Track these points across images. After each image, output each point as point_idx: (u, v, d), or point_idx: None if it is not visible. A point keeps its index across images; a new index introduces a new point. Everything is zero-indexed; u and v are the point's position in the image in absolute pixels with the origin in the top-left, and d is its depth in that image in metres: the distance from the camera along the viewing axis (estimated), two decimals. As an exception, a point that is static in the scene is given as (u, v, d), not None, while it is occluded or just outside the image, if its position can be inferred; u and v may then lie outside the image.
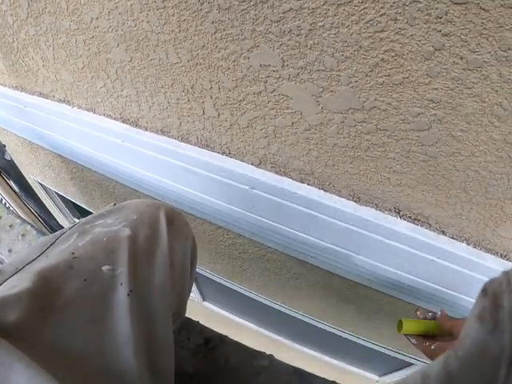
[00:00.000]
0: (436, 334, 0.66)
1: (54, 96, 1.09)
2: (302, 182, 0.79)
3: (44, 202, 1.80)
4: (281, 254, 1.08)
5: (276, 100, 0.67)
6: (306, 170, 0.77)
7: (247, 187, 0.83)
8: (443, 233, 0.74)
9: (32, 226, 0.96)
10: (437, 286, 0.83)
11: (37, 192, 1.76)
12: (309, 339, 1.87)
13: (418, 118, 0.57)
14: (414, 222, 0.75)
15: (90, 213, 1.72)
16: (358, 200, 0.77)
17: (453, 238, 0.73)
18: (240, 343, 0.74)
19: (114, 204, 0.65)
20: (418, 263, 0.79)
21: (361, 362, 1.87)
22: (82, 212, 1.92)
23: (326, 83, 0.59)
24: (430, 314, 0.69)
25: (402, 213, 0.74)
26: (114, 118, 0.98)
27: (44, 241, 0.56)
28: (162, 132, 0.90)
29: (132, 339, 0.47)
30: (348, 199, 0.77)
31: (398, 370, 1.72)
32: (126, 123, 0.96)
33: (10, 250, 0.88)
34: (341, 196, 0.78)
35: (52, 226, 1.64)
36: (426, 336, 0.66)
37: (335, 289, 1.12)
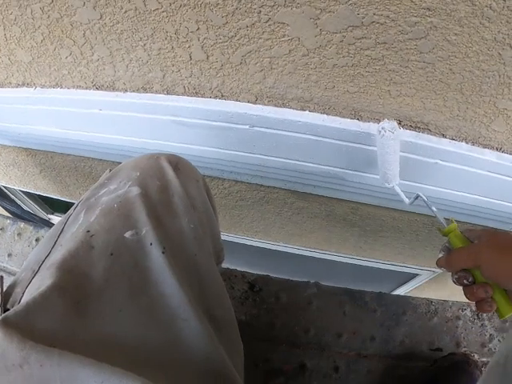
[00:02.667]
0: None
1: (10, 83, 1.00)
2: (303, 110, 0.79)
3: (19, 201, 1.70)
4: (281, 192, 1.09)
5: (271, 30, 0.65)
6: (305, 97, 0.76)
7: (247, 126, 0.81)
8: (443, 136, 0.77)
9: (26, 221, 0.91)
10: (441, 189, 0.87)
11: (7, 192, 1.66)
12: (313, 273, 1.91)
13: (415, 27, 0.58)
14: (415, 130, 0.78)
15: (65, 204, 1.64)
16: (360, 118, 0.78)
17: (452, 139, 0.77)
18: (283, 278, 0.75)
19: (110, 170, 0.61)
20: (422, 169, 0.82)
21: (364, 284, 1.93)
22: (55, 206, 1.84)
23: (323, 4, 0.58)
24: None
25: (403, 123, 0.77)
26: (87, 88, 0.92)
27: (52, 232, 0.52)
28: (144, 89, 0.86)
29: (185, 298, 0.44)
30: (351, 118, 0.78)
31: (402, 284, 1.81)
32: (101, 89, 0.91)
33: (9, 255, 0.83)
34: (343, 117, 0.78)
35: (41, 219, 1.55)
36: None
37: (338, 215, 1.15)
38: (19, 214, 1.22)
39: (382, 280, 1.86)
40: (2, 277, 0.48)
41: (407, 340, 0.71)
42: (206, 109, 0.81)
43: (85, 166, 1.25)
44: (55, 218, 1.88)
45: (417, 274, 1.62)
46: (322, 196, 1.04)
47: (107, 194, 0.53)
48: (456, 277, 0.61)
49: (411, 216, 1.07)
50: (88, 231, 0.47)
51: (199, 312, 0.44)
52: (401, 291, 1.86)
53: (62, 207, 1.80)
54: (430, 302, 0.75)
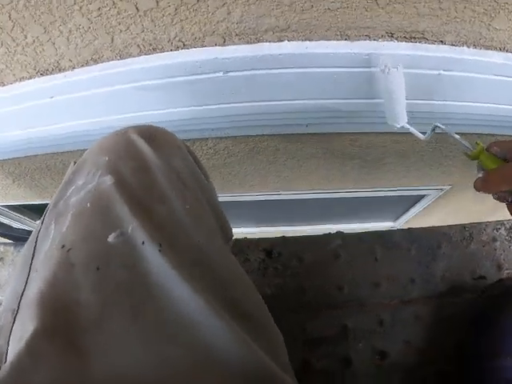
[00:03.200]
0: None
1: None
2: (281, 41, 0.69)
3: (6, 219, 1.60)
4: (272, 139, 1.00)
5: None
6: (280, 25, 0.66)
7: (220, 73, 0.71)
8: (442, 42, 0.70)
9: (5, 243, 0.80)
10: (449, 102, 0.81)
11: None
12: (317, 216, 1.87)
13: None
14: (410, 41, 0.70)
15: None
16: (348, 37, 0.69)
17: (452, 44, 0.70)
18: (302, 236, 0.67)
19: (75, 162, 0.51)
20: (425, 82, 0.75)
21: (372, 215, 1.91)
22: (41, 212, 1.74)
23: None
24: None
25: (395, 35, 0.69)
26: (30, 77, 0.80)
27: (23, 255, 0.43)
28: (94, 60, 0.75)
29: (199, 298, 0.35)
30: (337, 40, 0.69)
31: (410, 207, 1.76)
32: (46, 74, 0.79)
33: (-3, 285, 0.74)
34: (328, 39, 0.69)
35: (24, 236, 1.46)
36: None
37: (336, 150, 1.08)
38: (12, 235, 1.12)
39: (389, 208, 1.82)
40: None
41: (448, 274, 0.66)
42: (168, 64, 0.70)
43: (56, 163, 1.15)
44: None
45: (424, 195, 1.58)
46: (317, 134, 0.96)
47: (76, 193, 0.43)
48: (496, 196, 0.57)
49: (414, 137, 1.01)
50: (63, 246, 0.37)
51: (219, 310, 0.35)
52: (409, 215, 1.82)
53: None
54: (463, 227, 0.69)
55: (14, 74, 0.80)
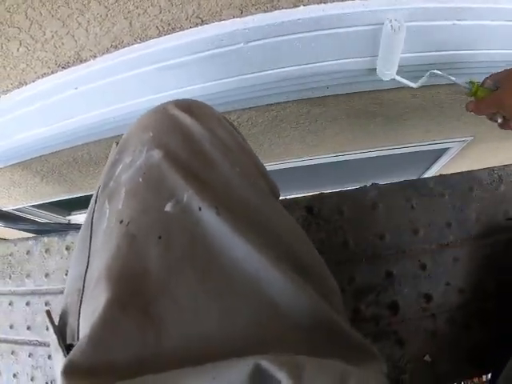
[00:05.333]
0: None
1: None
2: (297, 6, 0.69)
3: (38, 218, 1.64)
4: (294, 105, 1.00)
5: None
6: (295, -10, 0.66)
7: (241, 44, 0.71)
8: None
9: (48, 233, 0.82)
10: (461, 52, 0.80)
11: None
12: (342, 179, 1.88)
13: None
14: None
15: (78, 200, 1.58)
16: None
17: None
18: (338, 191, 0.68)
19: (116, 143, 0.50)
20: (438, 34, 0.75)
21: (396, 173, 1.91)
22: (69, 206, 1.79)
23: None
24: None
25: None
26: (52, 72, 0.81)
27: (81, 237, 0.44)
28: (114, 47, 0.75)
29: (263, 257, 0.35)
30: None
31: (434, 163, 1.76)
32: (68, 67, 0.80)
33: (46, 275, 0.76)
34: (343, 0, 0.68)
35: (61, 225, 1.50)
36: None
37: (358, 110, 1.08)
38: (39, 230, 1.15)
39: (413, 165, 1.83)
40: (48, 311, 0.41)
41: (482, 216, 0.67)
42: (189, 41, 0.71)
43: (82, 155, 1.17)
44: (74, 218, 1.83)
45: (447, 148, 1.58)
46: (338, 95, 0.96)
47: (125, 171, 0.43)
48: (488, 117, 0.72)
49: (433, 89, 1.00)
50: (121, 221, 0.38)
51: (282, 265, 0.36)
52: (433, 170, 1.82)
53: (75, 204, 1.74)
54: (491, 170, 0.69)
55: (35, 72, 0.81)
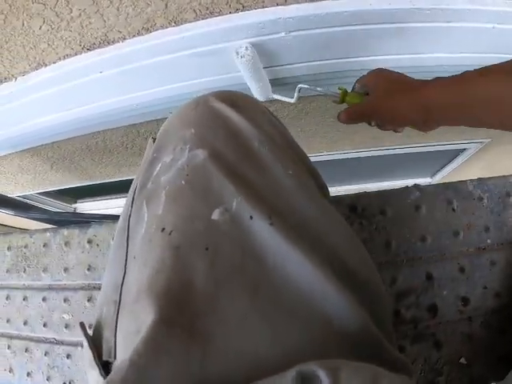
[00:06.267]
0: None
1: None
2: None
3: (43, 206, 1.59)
4: (322, 99, 0.97)
5: None
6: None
7: (282, 34, 0.67)
8: None
9: (66, 226, 0.77)
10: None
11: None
12: (355, 175, 1.87)
13: None
14: None
15: (85, 189, 1.53)
16: None
17: None
18: (381, 191, 0.66)
19: (153, 139, 0.46)
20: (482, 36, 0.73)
21: (409, 172, 1.89)
22: (74, 194, 1.75)
23: None
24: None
25: None
26: (76, 53, 0.76)
27: (116, 243, 0.40)
28: (146, 29, 0.70)
29: (318, 271, 0.33)
30: None
31: (448, 162, 1.74)
32: (93, 48, 0.75)
33: (66, 269, 0.72)
34: None
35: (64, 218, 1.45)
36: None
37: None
38: (51, 219, 1.11)
39: (427, 164, 1.81)
40: (82, 324, 0.38)
41: None
42: (228, 27, 0.66)
43: (97, 142, 1.12)
44: (80, 206, 1.79)
45: (464, 149, 1.57)
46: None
47: (165, 171, 0.39)
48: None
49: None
50: (163, 229, 0.35)
51: (337, 281, 0.33)
52: (447, 170, 1.80)
53: (82, 192, 1.70)
54: None
55: (57, 53, 0.77)
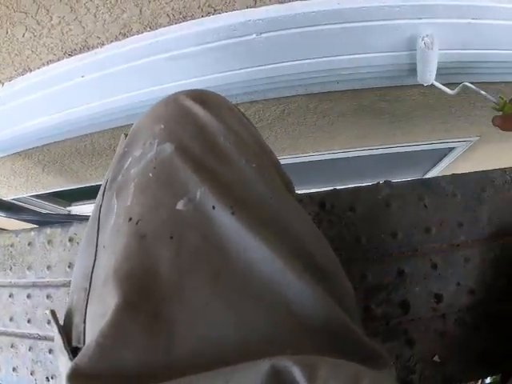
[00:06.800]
0: None
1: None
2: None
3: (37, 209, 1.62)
4: (302, 99, 0.98)
5: None
6: (310, -19, 0.64)
7: (253, 36, 0.69)
8: None
9: (50, 225, 0.80)
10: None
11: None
12: (346, 176, 1.87)
13: None
14: None
15: (78, 191, 1.56)
16: None
17: None
18: (351, 188, 0.67)
19: (126, 135, 0.48)
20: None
21: (400, 171, 1.90)
22: (69, 197, 1.77)
23: None
24: None
25: None
26: (58, 59, 0.79)
27: (88, 233, 0.42)
28: (123, 35, 0.73)
29: (279, 259, 0.34)
30: None
31: (438, 162, 1.75)
32: (75, 54, 0.78)
33: (48, 267, 0.74)
34: None
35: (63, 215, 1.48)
36: None
37: (366, 106, 1.07)
38: (42, 221, 1.13)
39: (417, 164, 1.81)
40: (52, 311, 0.39)
41: (494, 217, 0.66)
42: (200, 31, 0.69)
43: (85, 145, 1.15)
44: (75, 209, 1.81)
45: (453, 148, 1.58)
46: (347, 90, 0.94)
47: (134, 165, 0.41)
48: None
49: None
50: (130, 218, 0.36)
51: (298, 268, 0.34)
52: (438, 170, 1.81)
53: (76, 195, 1.72)
54: (503, 171, 0.68)
55: (40, 59, 0.79)
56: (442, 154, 1.65)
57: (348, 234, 0.64)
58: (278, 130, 1.16)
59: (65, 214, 1.68)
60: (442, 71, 0.79)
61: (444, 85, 0.79)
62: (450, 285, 0.63)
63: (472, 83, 0.75)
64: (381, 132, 1.26)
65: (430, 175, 1.85)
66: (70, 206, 1.80)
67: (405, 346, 0.60)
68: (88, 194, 1.67)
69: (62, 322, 0.39)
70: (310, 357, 0.28)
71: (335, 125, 1.15)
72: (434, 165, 1.80)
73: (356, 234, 0.64)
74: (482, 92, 0.74)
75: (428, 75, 0.78)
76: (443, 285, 0.63)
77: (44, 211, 1.61)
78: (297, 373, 0.25)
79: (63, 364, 0.32)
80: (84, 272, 0.38)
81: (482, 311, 0.62)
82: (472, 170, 0.68)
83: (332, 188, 0.67)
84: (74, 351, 0.33)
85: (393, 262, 0.64)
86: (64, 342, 0.34)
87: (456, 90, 0.77)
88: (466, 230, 0.65)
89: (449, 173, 0.69)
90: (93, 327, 0.33)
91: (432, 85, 0.80)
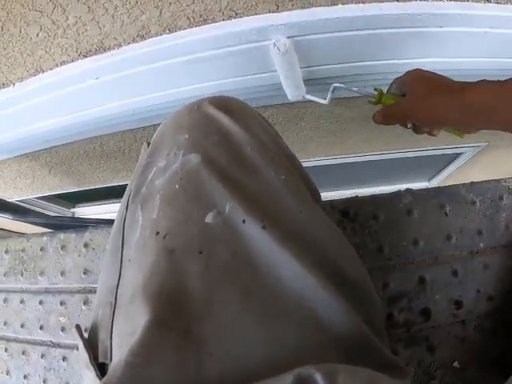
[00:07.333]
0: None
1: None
2: (335, 4, 0.66)
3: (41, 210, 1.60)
4: (316, 104, 0.97)
5: None
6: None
7: (273, 40, 0.68)
8: (488, 1, 0.68)
9: (63, 230, 0.78)
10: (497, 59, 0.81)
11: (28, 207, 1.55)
12: (351, 180, 1.87)
13: None
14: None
15: (84, 194, 1.54)
16: None
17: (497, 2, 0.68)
18: (374, 195, 0.67)
19: (148, 144, 0.47)
20: (474, 41, 0.74)
21: (406, 176, 1.89)
22: (73, 199, 1.76)
23: None
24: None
25: None
26: (72, 60, 0.78)
27: (111, 246, 0.41)
28: (141, 36, 0.72)
29: (310, 275, 0.33)
30: (390, 1, 0.67)
31: (445, 167, 1.75)
32: (90, 55, 0.76)
33: (62, 273, 0.73)
34: (381, 1, 0.66)
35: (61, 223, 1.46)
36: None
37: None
38: (48, 223, 1.12)
39: (424, 168, 1.81)
40: (77, 326, 0.38)
41: (511, 225, 0.67)
42: (220, 34, 0.67)
43: (95, 147, 1.13)
44: (79, 211, 1.80)
45: (460, 153, 1.57)
46: (362, 95, 0.94)
47: (159, 176, 0.40)
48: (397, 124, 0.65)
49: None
50: (158, 232, 0.35)
51: (329, 284, 0.34)
52: (444, 174, 1.81)
53: (80, 197, 1.71)
54: None
55: (54, 60, 0.78)
56: (450, 158, 1.65)
57: (371, 242, 0.65)
58: (290, 135, 1.15)
59: (71, 217, 1.66)
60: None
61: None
62: (470, 291, 0.64)
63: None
64: (390, 137, 1.25)
65: (437, 179, 1.85)
66: (74, 207, 1.79)
67: (426, 353, 0.61)
68: (93, 195, 1.66)
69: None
70: (331, 364, 0.28)
71: (347, 130, 1.14)
72: (440, 170, 1.80)
73: (378, 242, 0.65)
74: (354, 88, 0.70)
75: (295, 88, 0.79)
76: (463, 292, 0.64)
77: (51, 214, 1.59)
78: (318, 378, 0.25)
79: (90, 380, 0.32)
80: (109, 286, 0.37)
81: (499, 317, 0.63)
82: (480, 175, 0.68)
83: (354, 195, 0.67)
84: (100, 367, 0.32)
85: (414, 269, 0.64)
86: (90, 358, 0.33)
87: (328, 96, 0.73)
88: (486, 238, 0.66)
89: (457, 177, 0.68)
90: (121, 344, 0.32)
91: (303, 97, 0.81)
